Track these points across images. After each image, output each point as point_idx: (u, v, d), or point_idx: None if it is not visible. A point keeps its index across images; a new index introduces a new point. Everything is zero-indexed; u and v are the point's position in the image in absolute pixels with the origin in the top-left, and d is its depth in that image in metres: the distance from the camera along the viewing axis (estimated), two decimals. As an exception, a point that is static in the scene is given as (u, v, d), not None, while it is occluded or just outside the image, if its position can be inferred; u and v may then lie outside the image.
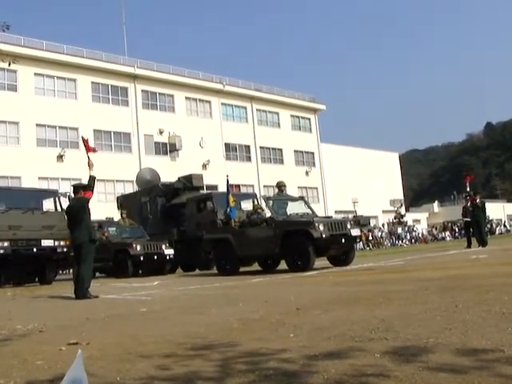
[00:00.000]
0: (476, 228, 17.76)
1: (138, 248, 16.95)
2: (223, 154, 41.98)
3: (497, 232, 48.59)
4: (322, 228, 11.45)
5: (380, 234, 42.73)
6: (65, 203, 12.27)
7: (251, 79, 59.38)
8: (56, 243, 14.27)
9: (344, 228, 11.99)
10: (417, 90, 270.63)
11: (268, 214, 13.15)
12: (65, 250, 14.29)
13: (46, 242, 14.13)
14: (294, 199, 14.65)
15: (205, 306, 6.16)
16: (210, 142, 40.85)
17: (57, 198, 14.99)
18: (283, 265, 12.85)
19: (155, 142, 38.31)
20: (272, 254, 12.58)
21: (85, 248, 8.63)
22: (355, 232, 12.22)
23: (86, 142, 9.78)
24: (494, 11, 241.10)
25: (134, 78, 37.64)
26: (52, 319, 5.67)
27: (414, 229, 49.59)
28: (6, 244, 13.54)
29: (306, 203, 13.67)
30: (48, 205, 15.39)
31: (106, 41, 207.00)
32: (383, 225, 49.09)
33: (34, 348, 3.87)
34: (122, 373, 2.82)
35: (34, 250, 14.01)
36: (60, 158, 32.90)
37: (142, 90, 38.27)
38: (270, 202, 12.86)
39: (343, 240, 11.87)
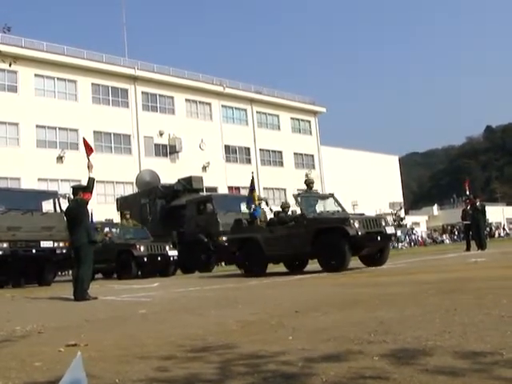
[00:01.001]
0: (475, 231, 17.78)
1: (142, 249, 16.85)
2: (223, 156, 42.00)
3: (496, 235, 48.59)
4: (357, 225, 10.97)
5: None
6: (64, 204, 12.24)
7: (251, 81, 59.46)
8: (55, 244, 14.18)
9: (379, 225, 11.58)
10: (417, 93, 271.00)
11: (294, 212, 12.80)
12: (64, 251, 14.20)
13: (45, 244, 14.05)
14: (324, 196, 14.15)
15: (204, 307, 6.16)
16: (210, 144, 40.87)
17: (56, 200, 14.95)
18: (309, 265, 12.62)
19: (155, 144, 38.32)
20: (303, 253, 12.00)
21: (84, 250, 8.63)
22: (390, 230, 11.85)
23: (86, 143, 9.79)
24: (494, 11, 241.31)
25: (134, 79, 37.67)
26: (51, 321, 5.67)
27: (414, 232, 49.60)
28: (4, 245, 13.45)
29: (337, 201, 13.15)
30: (47, 206, 15.35)
31: (107, 42, 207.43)
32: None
33: (32, 349, 3.86)
34: (121, 374, 2.82)
35: (33, 251, 13.94)
36: (60, 159, 32.90)
37: (142, 92, 38.29)
38: (300, 199, 12.22)
39: (378, 238, 11.38)
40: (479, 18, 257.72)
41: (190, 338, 3.90)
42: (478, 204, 17.98)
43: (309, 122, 50.77)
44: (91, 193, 8.97)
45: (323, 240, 11.24)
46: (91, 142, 31.06)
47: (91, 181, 8.96)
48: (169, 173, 30.33)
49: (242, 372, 2.68)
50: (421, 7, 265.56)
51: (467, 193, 18.65)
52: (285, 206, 13.35)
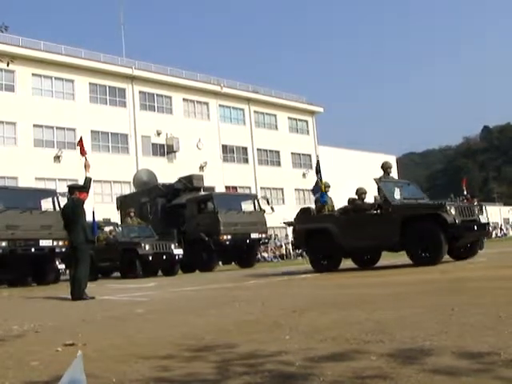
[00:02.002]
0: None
1: (147, 247, 16.64)
2: (220, 156, 41.99)
3: (493, 235, 48.67)
4: (453, 212, 9.74)
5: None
6: (63, 203, 12.26)
7: (249, 81, 59.41)
8: (54, 243, 14.08)
9: (472, 214, 10.41)
10: (415, 94, 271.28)
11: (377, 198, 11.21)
12: (63, 250, 14.05)
13: (44, 242, 13.96)
14: (403, 182, 12.63)
15: (202, 307, 6.15)
16: (208, 143, 40.85)
17: (55, 198, 14.89)
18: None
19: (152, 144, 38.29)
20: (389, 244, 10.62)
21: (80, 249, 8.62)
22: (484, 219, 10.70)
23: (81, 143, 9.80)
24: (493, 11, 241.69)
25: (131, 79, 37.62)
26: (48, 320, 5.66)
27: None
28: (3, 244, 13.35)
29: (418, 187, 12.03)
30: (46, 205, 15.32)
31: (104, 42, 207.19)
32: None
33: (29, 349, 3.86)
34: (119, 374, 2.81)
35: (32, 250, 13.86)
36: (57, 158, 32.84)
37: (140, 91, 38.25)
38: (382, 185, 10.84)
39: (475, 227, 10.20)
40: (479, 18, 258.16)
41: (188, 337, 3.89)
42: (475, 204, 17.99)
43: (306, 121, 50.80)
44: (87, 192, 8.97)
45: (414, 229, 9.96)
46: (88, 142, 31.20)
47: (88, 180, 8.97)
48: (166, 172, 30.30)
49: (240, 372, 2.68)
50: (421, 6, 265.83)
51: (465, 192, 18.66)
52: (361, 193, 11.66)
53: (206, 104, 42.53)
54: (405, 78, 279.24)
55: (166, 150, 38.68)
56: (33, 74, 32.92)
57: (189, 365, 2.95)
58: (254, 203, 20.44)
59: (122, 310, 6.55)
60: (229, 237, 18.44)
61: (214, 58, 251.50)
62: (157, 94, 39.24)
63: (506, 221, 62.99)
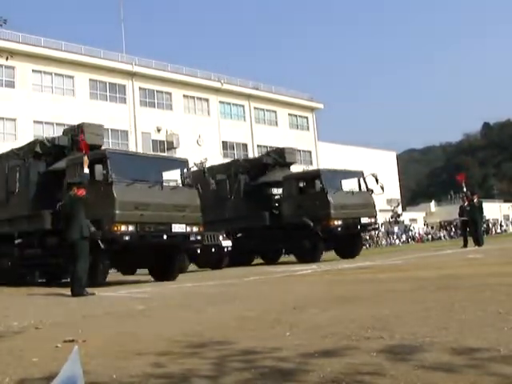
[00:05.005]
0: (473, 227, 17.82)
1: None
2: (220, 152, 41.96)
3: (493, 232, 48.70)
4: None
5: (376, 233, 42.75)
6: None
7: (249, 78, 59.39)
8: (188, 229, 11.15)
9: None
10: (414, 90, 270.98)
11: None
12: (198, 238, 11.56)
13: (177, 227, 10.91)
14: None
15: (201, 303, 6.15)
16: (208, 140, 40.81)
17: (187, 169, 12.27)
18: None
19: (153, 140, 38.24)
20: None
21: (78, 245, 8.60)
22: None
23: (82, 140, 9.81)
24: (494, 10, 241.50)
25: (132, 75, 37.56)
26: (48, 316, 5.66)
27: (411, 228, 49.66)
28: (131, 228, 10.20)
29: None
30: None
31: (104, 38, 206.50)
32: (380, 224, 49.12)
33: (30, 345, 3.86)
34: (119, 370, 2.81)
35: (165, 237, 10.73)
36: (57, 154, 32.80)
37: (140, 88, 38.20)
38: None
39: None
40: (479, 17, 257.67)
41: (187, 334, 3.90)
42: (475, 201, 18.01)
43: (306, 118, 50.74)
44: (85, 189, 8.96)
45: None
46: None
47: (86, 176, 8.99)
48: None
49: (239, 368, 2.68)
50: (420, 5, 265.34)
51: (464, 189, 18.68)
52: None
53: (207, 100, 42.48)
54: (405, 76, 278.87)
55: (166, 147, 38.63)
56: (33, 70, 32.87)
57: (188, 361, 2.95)
58: (359, 182, 17.16)
59: (123, 306, 6.56)
60: (339, 222, 15.66)
61: (214, 54, 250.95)
62: (157, 91, 39.19)
63: (506, 217, 62.98)
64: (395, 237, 44.27)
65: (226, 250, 15.58)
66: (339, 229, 15.61)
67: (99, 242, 9.83)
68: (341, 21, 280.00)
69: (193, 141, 39.95)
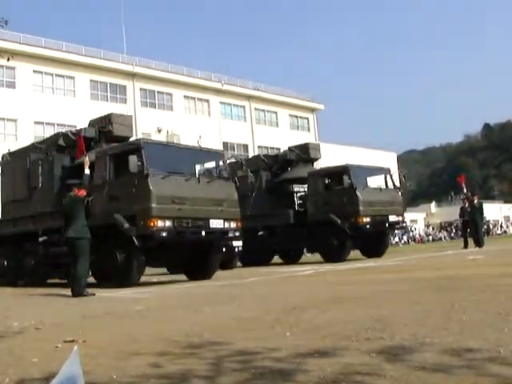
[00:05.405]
0: (473, 228, 17.82)
1: None
2: (221, 153, 41.96)
3: (493, 233, 48.68)
4: None
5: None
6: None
7: (250, 78, 59.30)
8: (226, 225, 10.63)
9: None
10: (415, 90, 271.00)
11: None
12: (237, 234, 11.02)
13: (214, 223, 10.38)
14: None
15: (201, 304, 6.15)
16: (208, 140, 40.70)
17: (223, 161, 11.53)
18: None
19: (153, 141, 38.30)
20: None
21: (78, 245, 8.61)
22: None
23: (81, 141, 9.83)
24: (494, 11, 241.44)
25: (132, 76, 37.59)
26: (48, 317, 5.66)
27: (412, 229, 49.63)
28: (168, 224, 9.61)
29: None
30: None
31: (105, 39, 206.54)
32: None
33: (30, 345, 3.86)
34: (118, 370, 2.81)
35: (203, 233, 10.21)
36: (58, 155, 32.80)
37: (141, 88, 38.22)
38: None
39: None
40: (479, 17, 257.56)
41: (186, 334, 3.89)
42: (475, 202, 18.01)
43: (307, 118, 50.75)
44: (86, 189, 8.97)
45: None
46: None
47: (86, 177, 9.01)
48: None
49: (238, 368, 2.68)
50: (420, 5, 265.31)
51: (464, 190, 18.67)
52: None
53: (207, 101, 42.50)
54: (404, 76, 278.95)
55: (167, 147, 38.67)
56: (34, 71, 32.89)
57: (187, 361, 2.95)
58: (386, 179, 16.81)
59: (122, 306, 6.55)
60: (368, 219, 15.20)
61: (214, 55, 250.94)
62: (157, 91, 39.21)
63: (507, 218, 62.98)
64: (396, 238, 44.26)
65: (236, 249, 15.06)
66: (368, 226, 15.19)
67: (134, 238, 9.45)
68: (341, 21, 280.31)
69: (193, 141, 39.81)
